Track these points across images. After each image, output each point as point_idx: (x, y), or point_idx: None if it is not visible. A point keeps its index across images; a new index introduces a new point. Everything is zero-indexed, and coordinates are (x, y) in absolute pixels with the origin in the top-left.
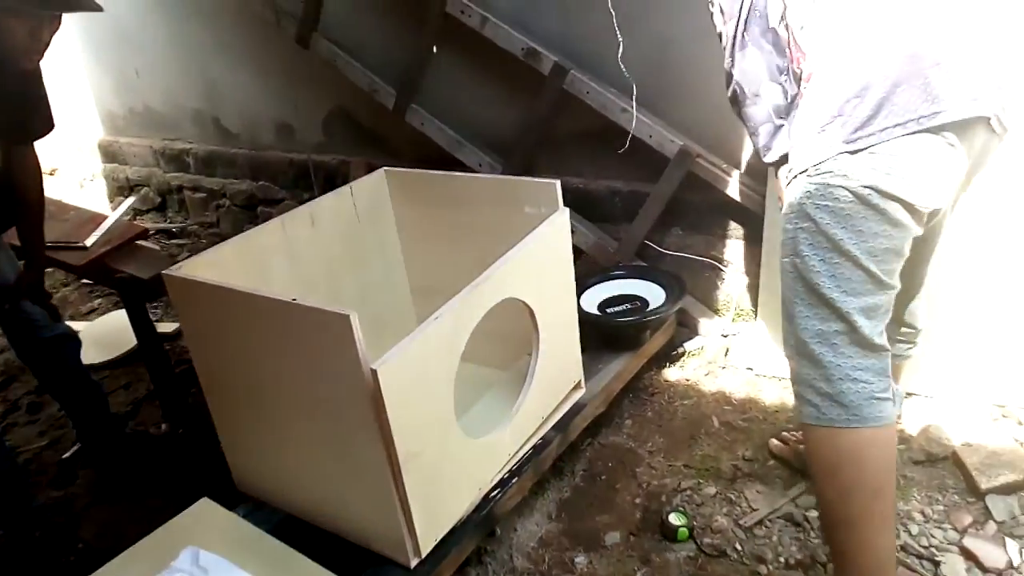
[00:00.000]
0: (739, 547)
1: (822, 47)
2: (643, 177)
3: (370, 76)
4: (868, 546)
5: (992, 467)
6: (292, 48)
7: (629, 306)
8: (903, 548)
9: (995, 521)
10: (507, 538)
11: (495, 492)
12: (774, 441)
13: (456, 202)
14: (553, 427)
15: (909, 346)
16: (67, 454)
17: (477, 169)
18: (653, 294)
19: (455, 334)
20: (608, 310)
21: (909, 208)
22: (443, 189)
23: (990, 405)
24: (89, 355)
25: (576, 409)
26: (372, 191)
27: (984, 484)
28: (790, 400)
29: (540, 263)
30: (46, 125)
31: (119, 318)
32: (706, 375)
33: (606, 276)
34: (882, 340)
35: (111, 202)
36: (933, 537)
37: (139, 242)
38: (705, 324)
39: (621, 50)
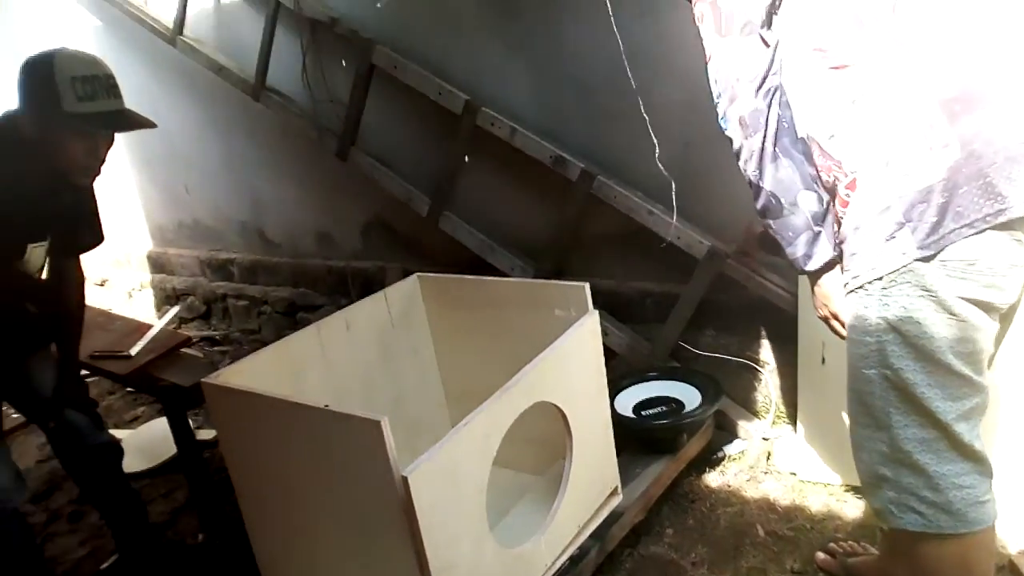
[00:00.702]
0: None
1: (865, 154)
2: (674, 278)
3: (405, 186)
4: None
5: None
6: (332, 162)
7: (665, 408)
8: None
9: None
10: None
11: None
12: (821, 555)
13: (488, 305)
14: (590, 536)
15: None
16: (105, 564)
17: (509, 272)
18: (689, 396)
19: (487, 439)
20: (643, 412)
21: (987, 308)
22: (475, 293)
23: None
24: (131, 463)
25: (614, 517)
26: (406, 296)
27: None
28: (837, 507)
29: (571, 366)
30: (96, 239)
31: (161, 426)
32: (748, 481)
33: (640, 378)
34: (980, 444)
35: (158, 311)
36: None
37: (182, 350)
38: (744, 427)
39: (657, 151)
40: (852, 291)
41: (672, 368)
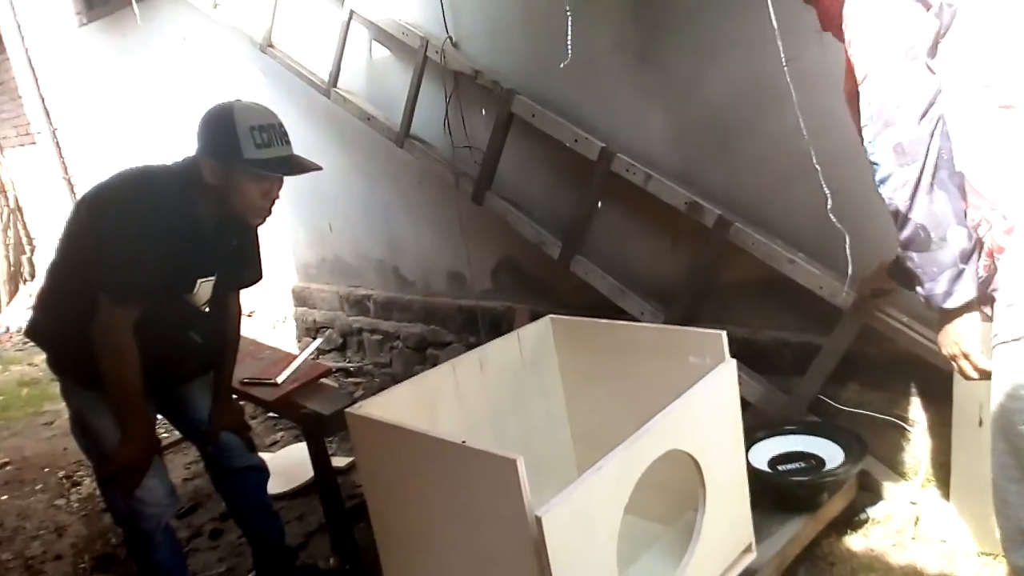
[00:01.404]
0: None
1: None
2: (813, 328)
3: (537, 229)
4: None
5: None
6: (467, 205)
7: (803, 464)
8: None
9: None
10: None
11: None
12: None
13: (620, 350)
14: None
15: None
16: None
17: (639, 318)
18: (830, 453)
19: (619, 484)
20: (780, 467)
21: None
22: (607, 337)
23: None
24: (269, 485)
25: (747, 575)
26: (538, 337)
27: None
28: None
29: (706, 414)
30: (257, 276)
31: (299, 451)
32: (893, 546)
33: (777, 431)
34: None
35: (299, 342)
36: None
37: (322, 380)
38: (890, 489)
39: (830, 203)
40: (1006, 343)
41: (812, 423)
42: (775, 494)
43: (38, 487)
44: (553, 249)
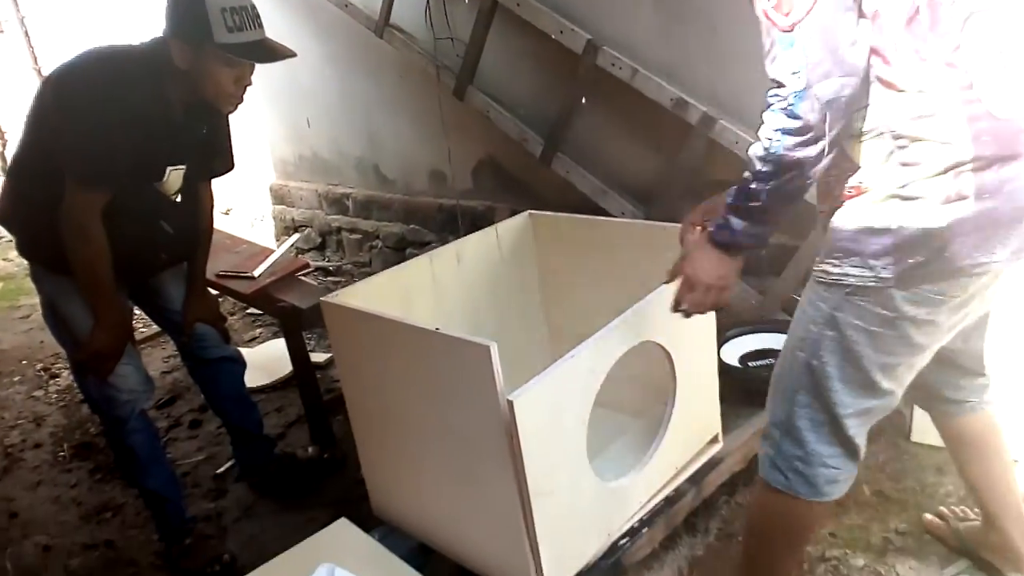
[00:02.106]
0: None
1: (881, 176)
2: (789, 231)
3: (520, 126)
4: None
5: None
6: (448, 100)
7: (772, 361)
8: None
9: None
10: None
11: (624, 541)
12: (929, 516)
13: (598, 247)
14: (688, 480)
15: (984, 399)
16: (221, 469)
17: (619, 217)
18: None
19: (592, 373)
20: (751, 364)
21: (940, 332)
22: (586, 233)
23: None
24: (248, 379)
25: (713, 463)
26: (517, 233)
27: None
28: (949, 471)
29: None
30: (227, 165)
31: (277, 346)
32: None
33: (749, 329)
34: (863, 439)
35: (277, 241)
36: None
37: (299, 276)
38: None
39: None
40: (820, 281)
41: (784, 321)
42: (744, 388)
43: (16, 379)
44: (535, 147)
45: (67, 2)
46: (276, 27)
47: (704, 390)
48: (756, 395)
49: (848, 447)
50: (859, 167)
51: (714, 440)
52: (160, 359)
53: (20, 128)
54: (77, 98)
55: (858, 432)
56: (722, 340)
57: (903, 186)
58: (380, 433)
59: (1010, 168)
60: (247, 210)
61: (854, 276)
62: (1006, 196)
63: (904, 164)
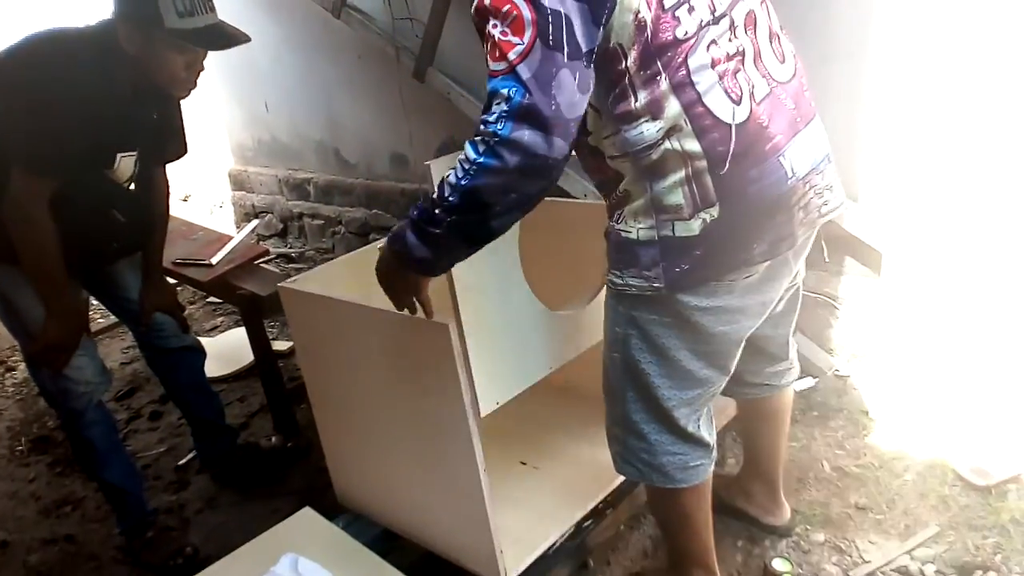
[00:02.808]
0: None
1: (642, 186)
2: None
3: (481, 107)
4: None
5: None
6: (409, 83)
7: None
8: None
9: None
10: (599, 572)
11: (588, 522)
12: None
13: (558, 228)
14: None
15: (782, 383)
16: (182, 461)
17: (581, 199)
18: None
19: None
20: None
21: (736, 317)
22: (544, 215)
23: None
24: (209, 368)
25: None
26: None
27: None
28: (909, 447)
29: None
30: (181, 150)
31: (238, 335)
32: (816, 416)
33: None
34: (695, 426)
35: (237, 228)
36: None
37: (259, 263)
38: (816, 364)
39: None
40: (615, 289)
41: None
42: None
43: None
44: None
45: None
46: (230, 8)
47: None
48: None
49: (684, 435)
50: (623, 179)
51: None
52: (119, 350)
53: None
54: (21, 80)
55: (689, 421)
56: None
57: (658, 200)
58: (343, 419)
59: (754, 171)
60: (206, 197)
61: (635, 286)
62: (752, 198)
63: (655, 178)
